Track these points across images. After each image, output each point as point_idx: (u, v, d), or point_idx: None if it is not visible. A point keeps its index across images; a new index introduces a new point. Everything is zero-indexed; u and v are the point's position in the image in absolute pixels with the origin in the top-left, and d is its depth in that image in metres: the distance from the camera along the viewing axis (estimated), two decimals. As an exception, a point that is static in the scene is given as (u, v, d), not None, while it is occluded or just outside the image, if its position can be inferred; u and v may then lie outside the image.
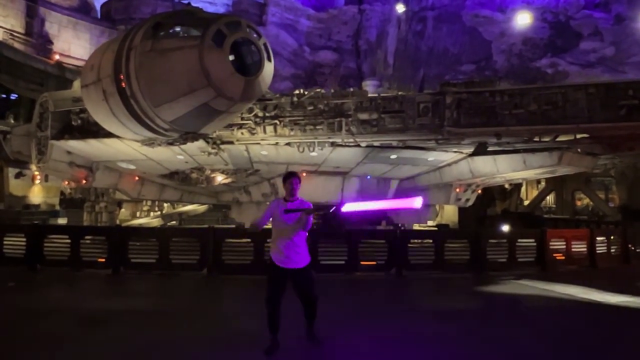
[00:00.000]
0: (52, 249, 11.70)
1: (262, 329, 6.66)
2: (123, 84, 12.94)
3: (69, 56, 35.45)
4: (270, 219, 5.74)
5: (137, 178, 20.13)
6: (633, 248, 15.80)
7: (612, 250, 14.80)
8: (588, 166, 18.22)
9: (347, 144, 15.16)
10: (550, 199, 39.81)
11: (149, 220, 22.92)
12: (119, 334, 6.70)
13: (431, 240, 12.26)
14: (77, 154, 18.43)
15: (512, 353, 6.08)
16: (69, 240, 11.71)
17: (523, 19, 32.98)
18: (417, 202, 5.11)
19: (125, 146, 16.53)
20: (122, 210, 25.21)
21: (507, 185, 34.49)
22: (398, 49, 38.90)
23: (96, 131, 16.73)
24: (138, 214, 26.11)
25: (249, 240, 11.56)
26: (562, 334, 7.04)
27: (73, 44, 36.74)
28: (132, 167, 18.77)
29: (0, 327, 6.98)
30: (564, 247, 13.48)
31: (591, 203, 39.87)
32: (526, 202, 40.03)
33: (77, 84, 20.97)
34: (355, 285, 10.55)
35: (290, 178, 5.75)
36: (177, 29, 13.13)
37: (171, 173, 19.19)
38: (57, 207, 30.33)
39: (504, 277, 11.62)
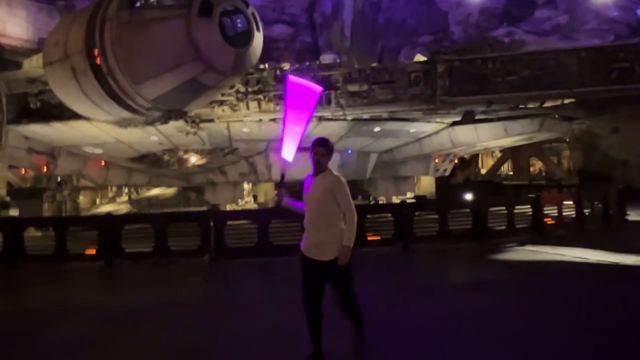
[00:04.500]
0: (34, 242, 10.68)
1: (288, 318, 6.20)
2: (97, 60, 11.91)
3: (4, 36, 32.74)
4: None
5: (103, 163, 18.91)
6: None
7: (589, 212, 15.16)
8: (564, 132, 18.68)
9: (335, 117, 14.70)
10: (506, 166, 40.99)
11: (116, 207, 21.68)
12: (150, 332, 6.06)
13: (434, 212, 12.07)
14: (37, 139, 17.01)
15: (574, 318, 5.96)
16: (52, 233, 10.71)
17: (479, -11, 33.17)
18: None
19: (94, 128, 15.38)
20: (81, 198, 23.79)
21: (466, 155, 35.11)
22: (355, 22, 38.30)
23: (59, 113, 15.47)
24: (98, 200, 24.72)
25: (252, 222, 11.01)
26: (611, 296, 7.03)
27: (9, 22, 33.86)
28: (99, 151, 17.57)
29: (4, 337, 6.11)
30: (556, 211, 13.66)
31: (543, 168, 41.53)
32: (483, 171, 41.13)
33: (27, 64, 19.37)
34: (366, 261, 10.12)
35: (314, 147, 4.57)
36: (153, -2, 12.16)
37: (141, 156, 18.13)
38: (7, 198, 28.26)
39: (508, 244, 11.61)
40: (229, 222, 10.91)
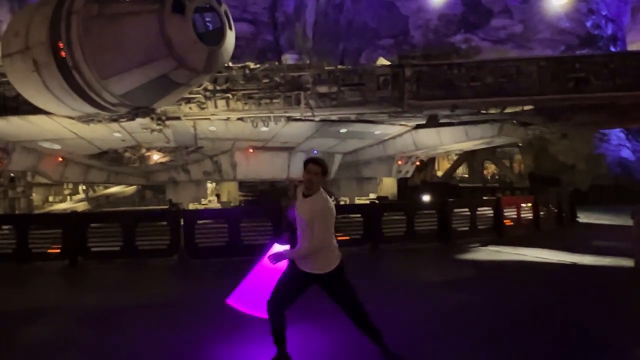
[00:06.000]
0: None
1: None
2: (62, 53, 11.53)
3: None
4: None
5: (60, 159, 18.29)
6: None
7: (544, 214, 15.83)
8: (520, 136, 19.41)
9: (303, 118, 14.80)
10: (461, 169, 42.10)
11: (73, 204, 21.01)
12: (134, 332, 5.96)
13: (402, 213, 12.33)
14: (-9, 133, 16.29)
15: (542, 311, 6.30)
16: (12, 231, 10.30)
17: (438, -5, 33.98)
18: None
19: (53, 123, 14.90)
20: (33, 195, 22.92)
21: (423, 157, 35.93)
22: (317, 22, 38.47)
23: (15, 107, 14.89)
24: (51, 198, 23.88)
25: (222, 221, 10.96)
26: (573, 296, 7.42)
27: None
28: (57, 146, 17.00)
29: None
30: (515, 213, 14.20)
31: (496, 171, 43.02)
32: (439, 173, 42.16)
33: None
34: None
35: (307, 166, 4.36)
36: (120, -8, 11.87)
37: (101, 152, 17.66)
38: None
39: (472, 245, 12.03)
40: (199, 221, 10.81)
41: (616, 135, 29.57)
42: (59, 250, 10.23)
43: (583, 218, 17.97)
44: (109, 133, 15.30)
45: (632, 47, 31.18)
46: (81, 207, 20.65)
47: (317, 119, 15.18)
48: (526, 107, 14.30)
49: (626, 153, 29.48)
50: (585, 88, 12.74)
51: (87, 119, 13.59)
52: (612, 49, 30.10)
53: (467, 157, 37.55)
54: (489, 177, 42.31)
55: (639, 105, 14.33)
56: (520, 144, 33.16)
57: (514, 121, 17.55)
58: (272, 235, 10.95)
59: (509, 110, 14.68)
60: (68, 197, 22.71)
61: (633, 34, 32.84)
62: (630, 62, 12.60)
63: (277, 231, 10.89)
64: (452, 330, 5.78)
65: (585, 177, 29.83)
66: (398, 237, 11.92)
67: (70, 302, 7.54)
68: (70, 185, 22.36)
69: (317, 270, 4.37)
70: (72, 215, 10.85)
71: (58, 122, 14.66)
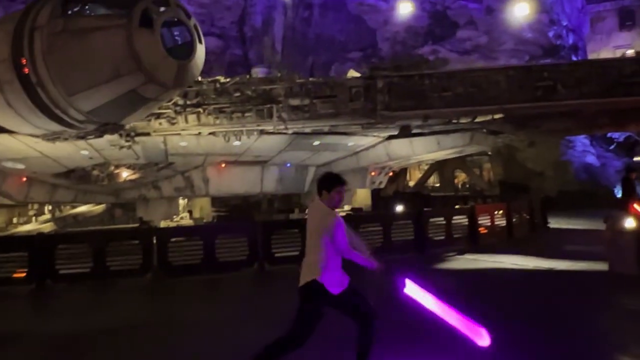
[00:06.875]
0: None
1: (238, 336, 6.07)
2: (25, 70, 11.18)
3: None
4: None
5: (24, 179, 17.67)
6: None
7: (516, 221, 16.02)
8: (490, 145, 19.72)
9: (275, 131, 14.68)
10: (432, 178, 42.48)
11: (38, 225, 20.30)
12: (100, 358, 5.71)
13: (378, 224, 12.29)
14: (-51, 154, 15.63)
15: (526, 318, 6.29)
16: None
17: (405, 8, 34.50)
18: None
19: (16, 142, 14.38)
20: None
21: (395, 168, 36.04)
22: (286, 36, 38.58)
23: (-24, 127, 14.36)
24: (15, 219, 23.04)
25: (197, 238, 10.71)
26: (553, 301, 7.46)
27: None
28: (21, 166, 16.41)
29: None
30: (488, 221, 14.32)
31: (466, 180, 43.58)
32: (411, 183, 42.46)
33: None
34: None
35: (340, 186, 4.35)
36: (86, 7, 11.62)
37: (68, 171, 17.15)
38: None
39: (448, 254, 12.05)
40: (172, 239, 10.53)
41: (581, 142, 30.37)
42: (25, 274, 9.80)
43: (554, 224, 18.26)
44: (76, 151, 14.88)
45: (592, 56, 32.26)
46: (47, 228, 19.96)
47: (289, 131, 15.09)
48: (496, 116, 14.52)
49: (591, 159, 30.27)
50: (552, 96, 13.01)
51: (52, 137, 13.18)
52: (574, 58, 31.04)
53: (438, 166, 37.90)
54: (459, 186, 42.81)
55: (603, 112, 14.74)
56: (489, 153, 33.72)
57: (484, 130, 17.80)
58: (249, 252, 10.78)
59: (479, 119, 14.87)
60: (33, 218, 21.98)
61: (593, 43, 34.00)
62: (594, 71, 12.94)
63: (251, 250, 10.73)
64: (435, 338, 5.69)
65: (553, 183, 30.46)
66: (375, 249, 11.82)
67: (38, 327, 7.20)
68: (36, 206, 21.65)
69: (341, 287, 4.32)
70: (38, 236, 10.43)
71: (21, 141, 14.16)
